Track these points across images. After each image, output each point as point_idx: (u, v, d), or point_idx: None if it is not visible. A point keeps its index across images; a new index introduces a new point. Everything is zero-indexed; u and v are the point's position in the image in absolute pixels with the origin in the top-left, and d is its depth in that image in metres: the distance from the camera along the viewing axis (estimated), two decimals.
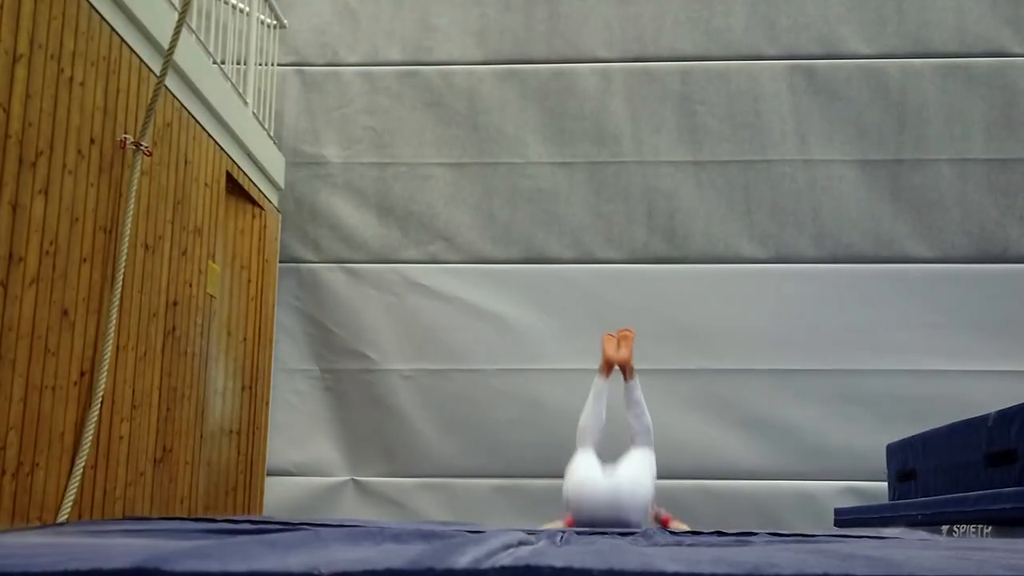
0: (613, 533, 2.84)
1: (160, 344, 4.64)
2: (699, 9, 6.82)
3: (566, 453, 6.64)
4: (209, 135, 5.28)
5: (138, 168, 4.21)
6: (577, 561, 1.14)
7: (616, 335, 4.41)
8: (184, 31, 4.45)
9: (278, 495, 6.39)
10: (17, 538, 2.14)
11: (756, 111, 6.70)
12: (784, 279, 6.52)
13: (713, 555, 1.42)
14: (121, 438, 4.24)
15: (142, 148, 4.25)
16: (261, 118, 6.37)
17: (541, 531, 2.42)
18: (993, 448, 4.10)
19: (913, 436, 5.17)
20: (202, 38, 5.32)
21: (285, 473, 6.47)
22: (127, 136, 4.20)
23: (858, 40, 6.75)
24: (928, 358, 6.33)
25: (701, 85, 6.74)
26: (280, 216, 6.67)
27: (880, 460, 5.68)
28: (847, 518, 5.39)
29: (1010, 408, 4.02)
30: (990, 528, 3.72)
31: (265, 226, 6.30)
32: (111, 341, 4.00)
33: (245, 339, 6.09)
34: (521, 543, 1.61)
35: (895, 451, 5.46)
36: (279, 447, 6.47)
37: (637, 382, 4.24)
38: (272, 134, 6.57)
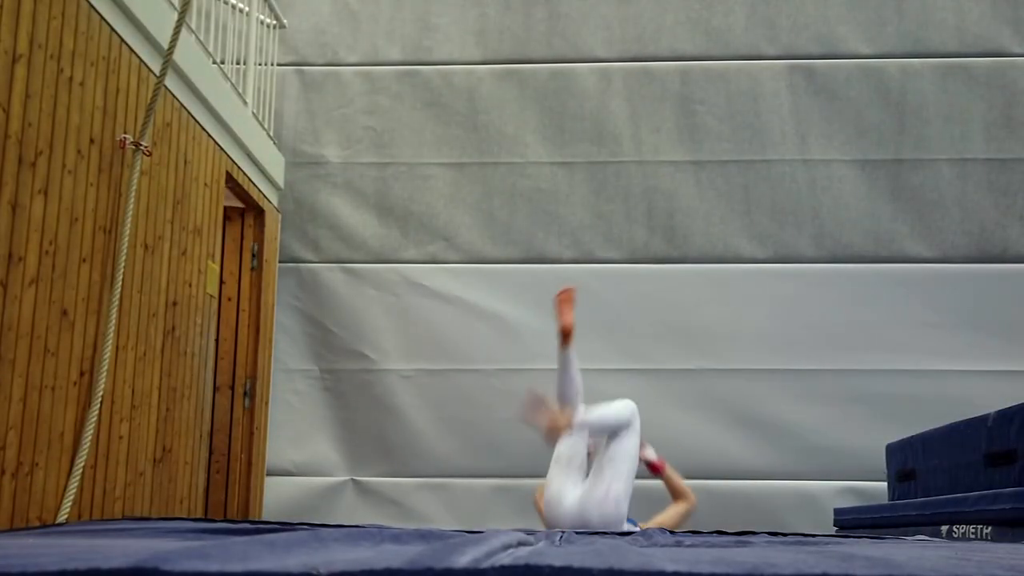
0: (613, 533, 2.84)
1: (160, 344, 4.64)
2: (699, 9, 6.82)
3: None
4: (209, 135, 5.28)
5: (138, 168, 4.21)
6: (576, 561, 1.14)
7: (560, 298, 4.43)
8: (184, 31, 4.45)
9: (278, 495, 6.39)
10: (17, 538, 2.14)
11: (756, 111, 6.70)
12: (784, 279, 6.51)
13: (713, 555, 1.42)
14: (121, 438, 4.24)
15: (142, 148, 4.24)
16: (261, 118, 6.37)
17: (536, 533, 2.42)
18: (993, 448, 4.10)
19: (913, 436, 5.17)
20: (202, 38, 5.32)
21: (285, 473, 6.47)
22: (127, 136, 4.20)
23: (858, 40, 6.75)
24: (928, 358, 6.33)
25: (701, 85, 6.74)
26: (280, 216, 6.67)
27: (880, 460, 5.68)
28: (847, 518, 5.39)
29: (1010, 408, 4.02)
30: (990, 528, 3.72)
31: (265, 226, 6.30)
32: (111, 341, 4.00)
33: (247, 339, 6.08)
34: (520, 543, 1.61)
35: (895, 451, 5.46)
36: (279, 447, 6.46)
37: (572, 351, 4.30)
38: (272, 134, 6.57)
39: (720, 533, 3.30)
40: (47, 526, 3.38)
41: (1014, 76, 6.64)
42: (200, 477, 5.26)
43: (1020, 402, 3.99)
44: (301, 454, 6.51)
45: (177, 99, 4.85)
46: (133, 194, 4.17)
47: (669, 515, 4.42)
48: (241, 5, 6.22)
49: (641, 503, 4.49)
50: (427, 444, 6.40)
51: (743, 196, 6.62)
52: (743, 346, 6.42)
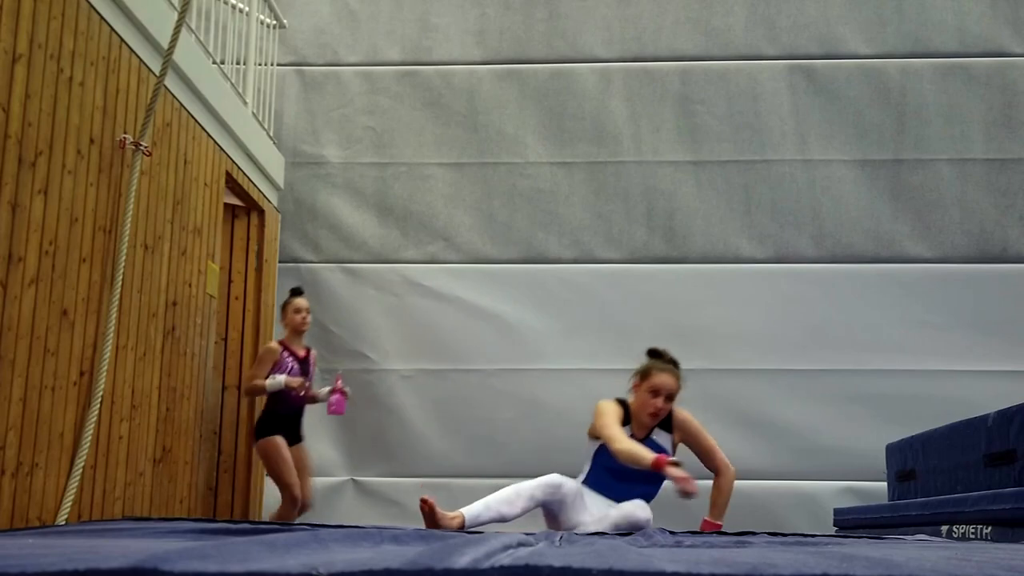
0: (613, 534, 2.84)
1: (160, 344, 4.64)
2: (699, 9, 6.82)
3: (566, 453, 6.63)
4: (209, 135, 5.28)
5: (137, 168, 4.21)
6: (576, 561, 1.14)
7: None
8: (184, 31, 4.45)
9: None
10: (16, 538, 2.14)
11: (756, 111, 6.70)
12: (784, 279, 6.51)
13: (712, 556, 1.42)
14: (120, 438, 4.24)
15: (142, 148, 4.24)
16: (261, 118, 6.37)
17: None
18: (993, 448, 4.10)
19: (913, 436, 5.17)
20: (202, 38, 5.32)
21: None
22: (127, 136, 4.20)
23: (858, 40, 6.74)
24: (928, 358, 6.33)
25: (701, 85, 6.74)
26: (280, 216, 6.67)
27: (880, 460, 5.68)
28: (847, 518, 5.39)
29: (1010, 408, 4.02)
30: (990, 528, 3.72)
31: (265, 226, 6.30)
32: (111, 341, 4.00)
33: (245, 339, 6.08)
34: (520, 544, 1.61)
35: (895, 451, 5.45)
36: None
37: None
38: (272, 134, 6.57)
39: (720, 533, 3.30)
40: (47, 526, 3.38)
41: (1014, 76, 6.64)
42: (200, 477, 5.26)
43: (1020, 402, 3.99)
44: None
45: (177, 99, 4.85)
46: (133, 194, 4.17)
47: (722, 494, 4.22)
48: (241, 5, 6.22)
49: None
50: (427, 444, 6.40)
51: (743, 196, 6.62)
52: (743, 346, 6.42)
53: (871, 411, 6.23)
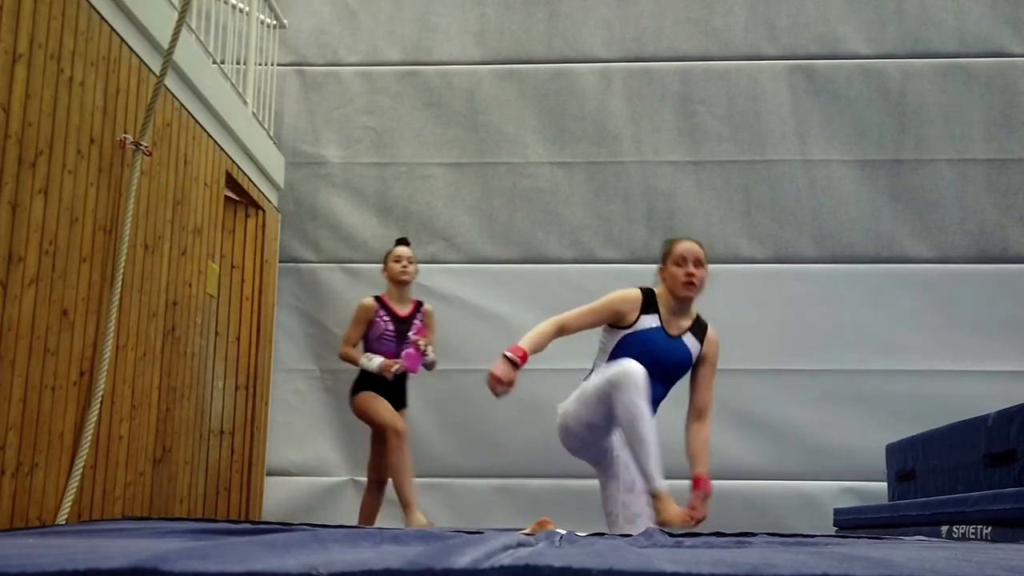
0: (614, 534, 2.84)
1: (160, 344, 4.64)
2: (699, 9, 6.82)
3: (565, 453, 6.64)
4: (209, 135, 5.28)
5: (138, 168, 4.21)
6: (576, 561, 1.14)
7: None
8: (184, 31, 4.45)
9: (277, 495, 6.39)
10: (16, 538, 2.14)
11: (756, 111, 6.70)
12: (784, 279, 6.51)
13: (712, 556, 1.42)
14: (120, 438, 4.24)
15: (142, 148, 4.24)
16: (261, 118, 6.37)
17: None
18: (993, 448, 4.10)
19: (913, 436, 5.17)
20: (202, 38, 5.32)
21: (284, 473, 6.47)
22: (127, 136, 4.20)
23: (858, 40, 6.74)
24: (928, 358, 6.32)
25: (701, 85, 6.74)
26: (280, 216, 6.67)
27: (880, 460, 5.68)
28: (847, 518, 5.39)
29: (1010, 408, 4.02)
30: (990, 528, 3.72)
31: (264, 226, 6.30)
32: (111, 341, 4.00)
33: (248, 339, 6.08)
34: (520, 544, 1.61)
35: (895, 451, 5.46)
36: (279, 447, 6.47)
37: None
38: (272, 134, 6.57)
39: (719, 534, 3.30)
40: (47, 526, 3.38)
41: (1014, 76, 6.64)
42: (200, 477, 5.26)
43: (1020, 402, 3.99)
44: (301, 454, 6.51)
45: (177, 99, 4.85)
46: (133, 194, 4.17)
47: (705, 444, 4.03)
48: (241, 5, 6.22)
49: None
50: (427, 444, 6.39)
51: (743, 196, 6.62)
52: (743, 346, 6.41)
53: (871, 411, 6.23)
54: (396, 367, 4.99)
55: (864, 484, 6.14)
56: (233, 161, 5.70)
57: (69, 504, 3.70)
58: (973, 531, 3.84)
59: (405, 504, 4.99)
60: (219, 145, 5.44)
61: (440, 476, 6.33)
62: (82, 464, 3.79)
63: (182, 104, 4.91)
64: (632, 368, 3.61)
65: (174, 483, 4.85)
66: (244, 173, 5.92)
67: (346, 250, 6.71)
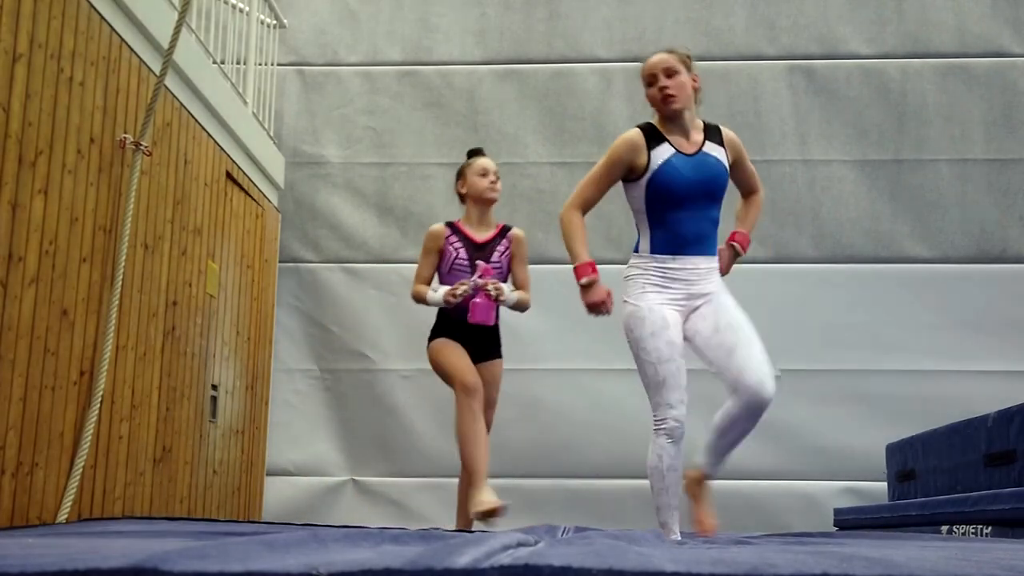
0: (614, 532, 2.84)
1: (160, 344, 4.64)
2: (699, 9, 6.82)
3: (566, 453, 6.65)
4: (209, 135, 5.28)
5: (138, 168, 4.21)
6: (576, 561, 1.14)
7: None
8: (184, 31, 4.45)
9: (277, 495, 6.39)
10: (16, 538, 2.14)
11: (756, 111, 6.70)
12: (784, 279, 6.51)
13: (712, 555, 1.42)
14: (121, 438, 4.24)
15: (142, 148, 4.25)
16: (261, 118, 6.37)
17: None
18: (992, 448, 4.10)
19: (913, 436, 5.17)
20: (202, 38, 5.32)
21: (284, 473, 6.47)
22: (127, 136, 4.20)
23: (858, 40, 6.74)
24: (928, 358, 6.32)
25: (701, 85, 6.72)
26: (280, 216, 6.67)
27: (880, 460, 5.68)
28: (847, 518, 5.39)
29: (1010, 408, 4.02)
30: (990, 528, 3.72)
31: (264, 226, 6.30)
32: (111, 341, 4.00)
33: (247, 339, 6.08)
34: (520, 544, 1.61)
35: (895, 451, 5.46)
36: (279, 447, 6.47)
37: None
38: (272, 134, 6.57)
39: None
40: (47, 526, 3.38)
41: (1014, 76, 6.64)
42: (200, 477, 5.26)
43: (1020, 402, 3.99)
44: (301, 454, 6.51)
45: (177, 99, 4.85)
46: (133, 194, 4.18)
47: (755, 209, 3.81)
48: (241, 5, 6.22)
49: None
50: (427, 444, 6.39)
51: None
52: None
53: (871, 411, 6.23)
54: (462, 288, 4.10)
55: (864, 484, 6.14)
56: (233, 161, 5.70)
57: (69, 504, 3.70)
58: (973, 531, 3.84)
59: (472, 479, 4.01)
60: (219, 145, 5.44)
61: (440, 476, 6.32)
62: (82, 464, 3.79)
63: (182, 104, 4.91)
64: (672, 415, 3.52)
65: (174, 483, 4.84)
66: (244, 173, 5.92)
67: (346, 250, 6.71)
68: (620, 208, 6.67)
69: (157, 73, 4.32)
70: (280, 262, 6.60)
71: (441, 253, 4.26)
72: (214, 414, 5.45)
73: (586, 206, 3.80)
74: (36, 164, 3.55)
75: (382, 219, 6.73)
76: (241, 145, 5.80)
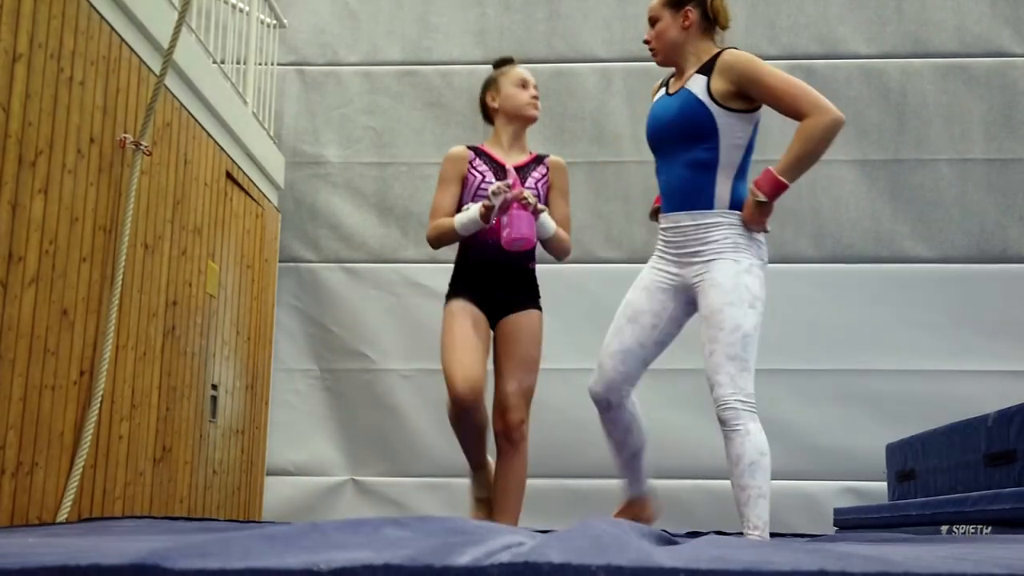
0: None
1: (160, 344, 4.64)
2: None
3: (566, 453, 6.65)
4: (209, 135, 5.28)
5: (138, 168, 4.21)
6: (576, 557, 1.14)
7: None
8: (184, 31, 4.46)
9: (277, 495, 6.39)
10: (17, 537, 2.14)
11: None
12: (784, 279, 6.50)
13: (712, 553, 1.42)
14: (121, 438, 4.24)
15: (142, 148, 4.25)
16: (261, 118, 6.37)
17: None
18: (993, 448, 4.10)
19: (913, 436, 5.17)
20: (202, 38, 5.33)
21: (284, 473, 6.48)
22: (127, 135, 4.21)
23: (858, 40, 6.75)
24: (928, 358, 6.33)
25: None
26: (280, 216, 6.68)
27: (880, 460, 5.68)
28: (847, 518, 5.39)
29: (1010, 408, 4.02)
30: (989, 528, 3.72)
31: (264, 226, 6.30)
32: (111, 341, 4.00)
33: (247, 339, 6.08)
34: (521, 543, 1.61)
35: (895, 451, 5.46)
36: (279, 447, 6.47)
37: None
38: (272, 134, 6.57)
39: (719, 533, 3.30)
40: (47, 525, 3.38)
41: (1014, 76, 6.64)
42: (200, 477, 5.26)
43: (1020, 402, 3.99)
44: (301, 454, 6.51)
45: (177, 99, 4.86)
46: (133, 194, 4.18)
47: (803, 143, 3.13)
48: (241, 5, 6.22)
49: None
50: (427, 444, 6.39)
51: None
52: None
53: (871, 411, 6.23)
54: (495, 187, 3.24)
55: (864, 484, 6.14)
56: (233, 161, 5.70)
57: (69, 504, 3.70)
58: (973, 531, 3.84)
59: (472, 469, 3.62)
60: (219, 145, 5.44)
61: (440, 476, 6.33)
62: (82, 463, 3.79)
63: (182, 104, 4.92)
64: None
65: (174, 483, 4.85)
66: (244, 173, 5.92)
67: (346, 250, 6.71)
68: (620, 208, 6.71)
69: (157, 73, 4.32)
70: (280, 262, 6.60)
71: (463, 181, 3.46)
72: (214, 414, 5.45)
73: None
74: (36, 164, 3.55)
75: (382, 219, 6.74)
76: (241, 145, 5.80)
